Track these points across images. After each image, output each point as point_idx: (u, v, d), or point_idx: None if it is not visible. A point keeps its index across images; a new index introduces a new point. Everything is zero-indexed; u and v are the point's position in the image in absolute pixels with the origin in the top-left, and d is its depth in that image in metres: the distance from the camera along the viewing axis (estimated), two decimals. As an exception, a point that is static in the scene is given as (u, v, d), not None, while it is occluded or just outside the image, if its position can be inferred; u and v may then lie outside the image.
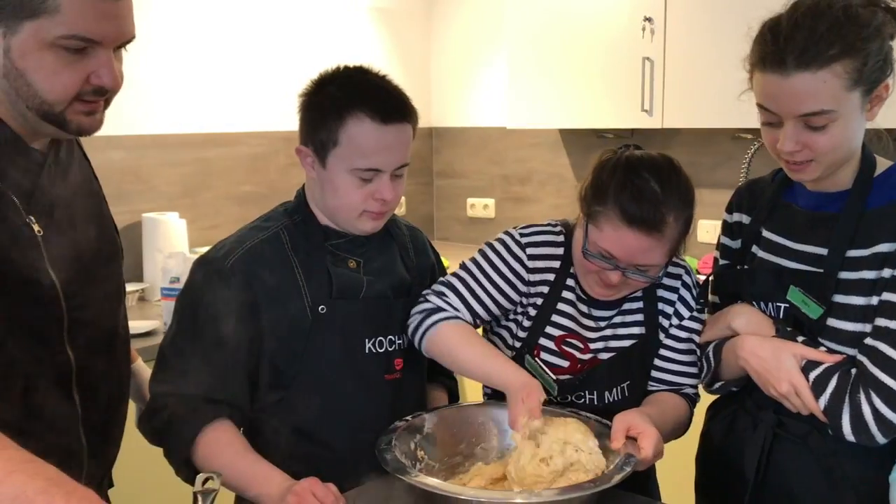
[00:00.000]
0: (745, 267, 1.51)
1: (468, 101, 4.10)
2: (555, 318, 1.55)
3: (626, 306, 1.57)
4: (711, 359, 1.49)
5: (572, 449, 1.32)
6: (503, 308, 1.56)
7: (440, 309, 1.52)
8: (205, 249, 1.54)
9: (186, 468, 1.38)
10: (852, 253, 1.34)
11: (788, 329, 1.38)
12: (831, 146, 1.29)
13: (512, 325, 1.59)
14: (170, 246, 2.84)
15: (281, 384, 1.45)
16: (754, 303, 1.46)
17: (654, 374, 1.59)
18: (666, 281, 1.57)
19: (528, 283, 1.55)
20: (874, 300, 1.30)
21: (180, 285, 1.52)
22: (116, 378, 1.40)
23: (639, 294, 1.57)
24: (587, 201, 1.45)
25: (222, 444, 1.38)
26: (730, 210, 1.59)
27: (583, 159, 3.66)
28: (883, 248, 1.31)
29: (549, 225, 1.59)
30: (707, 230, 3.29)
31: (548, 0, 3.34)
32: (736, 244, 1.56)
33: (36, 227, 1.21)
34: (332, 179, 1.43)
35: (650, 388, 1.59)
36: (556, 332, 1.55)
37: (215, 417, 1.38)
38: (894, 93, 1.32)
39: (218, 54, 3.21)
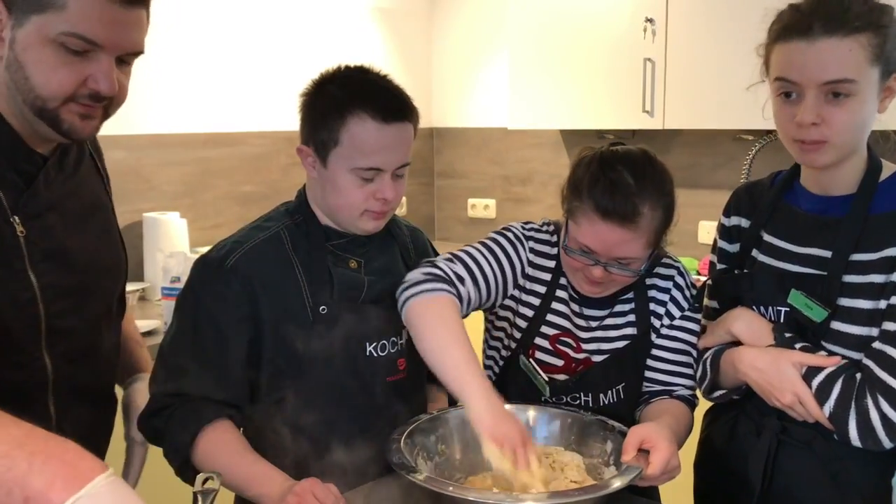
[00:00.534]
0: (745, 270, 1.49)
1: (469, 102, 4.10)
2: (549, 317, 1.55)
3: (618, 308, 1.57)
4: (709, 368, 1.48)
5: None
6: (500, 293, 1.55)
7: (442, 279, 1.45)
8: (205, 249, 1.53)
9: (186, 468, 1.38)
10: (858, 256, 1.33)
11: (787, 335, 1.36)
12: (847, 124, 1.29)
13: (506, 326, 1.59)
14: (170, 245, 2.84)
15: (281, 384, 1.45)
16: (754, 307, 1.45)
17: (648, 374, 1.58)
18: (658, 282, 1.57)
19: (526, 278, 1.55)
20: (882, 304, 1.30)
21: (181, 285, 1.52)
22: (98, 392, 1.38)
23: (630, 295, 1.56)
24: (566, 198, 1.47)
25: (222, 444, 1.37)
26: (727, 213, 1.58)
27: (584, 160, 3.66)
28: (893, 251, 1.30)
29: (544, 224, 1.60)
30: (708, 231, 3.28)
31: (549, 1, 3.34)
32: (734, 248, 1.55)
33: (19, 228, 1.20)
34: (333, 179, 1.43)
35: (644, 389, 1.59)
36: (551, 332, 1.55)
37: (215, 417, 1.38)
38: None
39: (219, 54, 3.21)
